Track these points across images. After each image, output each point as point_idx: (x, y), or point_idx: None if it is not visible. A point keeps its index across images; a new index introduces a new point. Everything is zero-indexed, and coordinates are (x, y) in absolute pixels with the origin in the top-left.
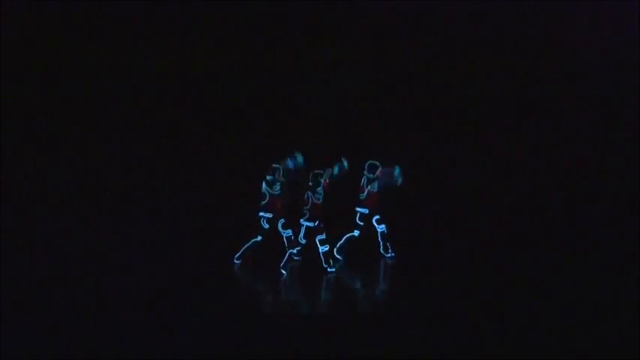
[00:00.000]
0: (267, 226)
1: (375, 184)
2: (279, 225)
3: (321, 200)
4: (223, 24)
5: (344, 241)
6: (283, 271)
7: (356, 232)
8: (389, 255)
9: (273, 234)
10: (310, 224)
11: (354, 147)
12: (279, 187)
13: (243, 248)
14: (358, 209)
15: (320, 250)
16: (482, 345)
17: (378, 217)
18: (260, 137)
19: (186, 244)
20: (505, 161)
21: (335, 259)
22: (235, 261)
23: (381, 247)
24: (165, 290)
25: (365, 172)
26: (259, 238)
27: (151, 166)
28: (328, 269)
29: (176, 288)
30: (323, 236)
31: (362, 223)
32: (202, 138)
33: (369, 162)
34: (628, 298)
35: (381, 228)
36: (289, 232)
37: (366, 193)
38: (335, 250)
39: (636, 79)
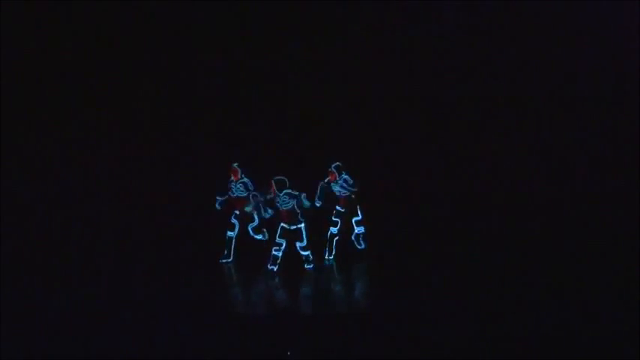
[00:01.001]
0: (235, 221)
1: (337, 187)
2: (250, 230)
3: (286, 207)
4: (221, 22)
5: (329, 240)
6: (273, 267)
7: (333, 229)
8: (360, 247)
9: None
10: (286, 225)
11: (353, 146)
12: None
13: (226, 247)
14: (337, 207)
15: (303, 255)
16: (481, 345)
17: (358, 218)
18: (253, 137)
19: (184, 244)
20: (504, 161)
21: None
22: (221, 261)
23: (355, 242)
24: (162, 290)
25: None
26: (232, 233)
27: (149, 166)
28: (305, 265)
29: (173, 288)
30: (304, 243)
31: (338, 220)
32: (196, 138)
33: (335, 164)
34: (628, 298)
35: (359, 230)
36: (260, 236)
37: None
38: (327, 252)
39: (636, 79)
